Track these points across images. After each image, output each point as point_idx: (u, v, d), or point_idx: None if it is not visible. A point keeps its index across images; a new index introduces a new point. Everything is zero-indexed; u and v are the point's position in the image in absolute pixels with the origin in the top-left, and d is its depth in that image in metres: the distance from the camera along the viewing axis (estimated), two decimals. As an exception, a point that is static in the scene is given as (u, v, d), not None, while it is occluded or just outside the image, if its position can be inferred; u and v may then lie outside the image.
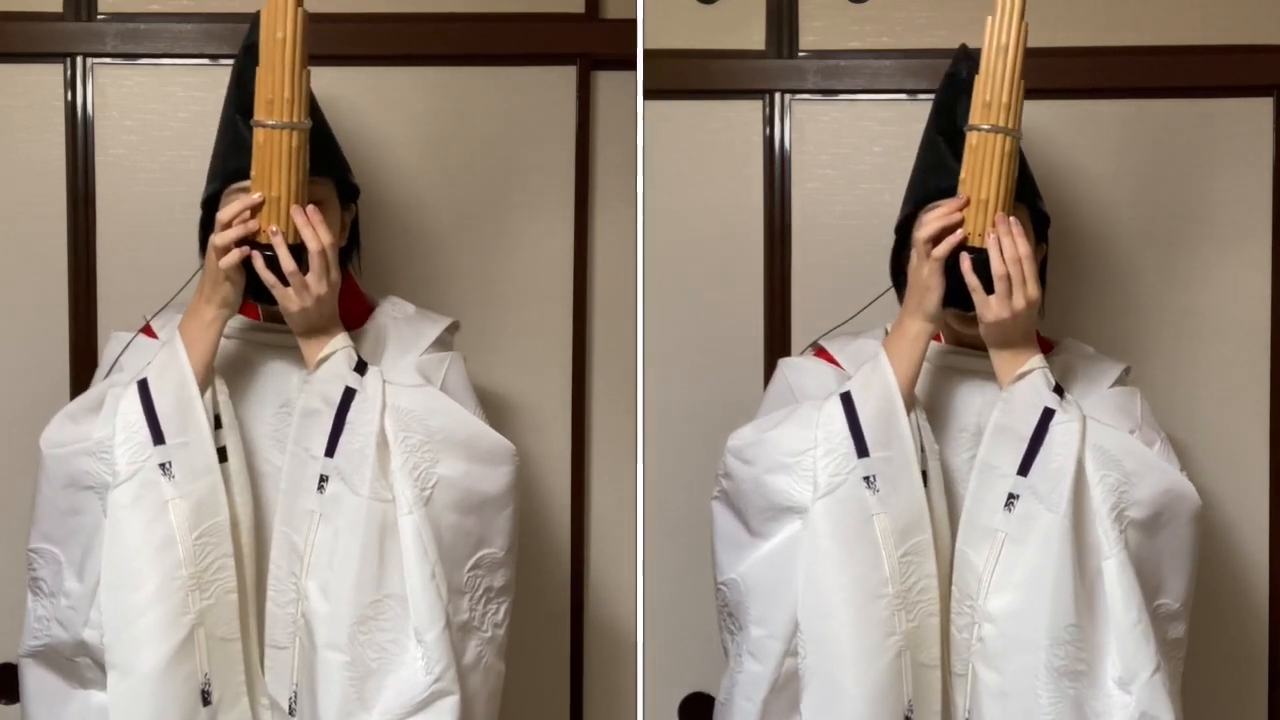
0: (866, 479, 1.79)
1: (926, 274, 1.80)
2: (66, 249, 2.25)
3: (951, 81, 1.90)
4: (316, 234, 1.79)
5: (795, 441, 1.82)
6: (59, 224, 2.25)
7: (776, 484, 1.83)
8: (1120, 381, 1.95)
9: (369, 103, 2.25)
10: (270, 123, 1.77)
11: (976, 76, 1.80)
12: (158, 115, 2.25)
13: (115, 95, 2.24)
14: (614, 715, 2.37)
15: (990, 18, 1.79)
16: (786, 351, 2.27)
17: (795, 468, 1.81)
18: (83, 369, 2.22)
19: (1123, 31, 2.26)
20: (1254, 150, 2.26)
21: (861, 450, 1.79)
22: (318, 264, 1.79)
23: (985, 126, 1.78)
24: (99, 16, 2.24)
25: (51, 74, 2.24)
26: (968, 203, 1.79)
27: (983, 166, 1.79)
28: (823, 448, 1.80)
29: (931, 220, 1.80)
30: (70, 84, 2.24)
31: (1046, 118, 2.26)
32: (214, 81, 2.21)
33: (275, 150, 1.78)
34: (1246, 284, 2.27)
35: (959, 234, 1.79)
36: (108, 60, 2.24)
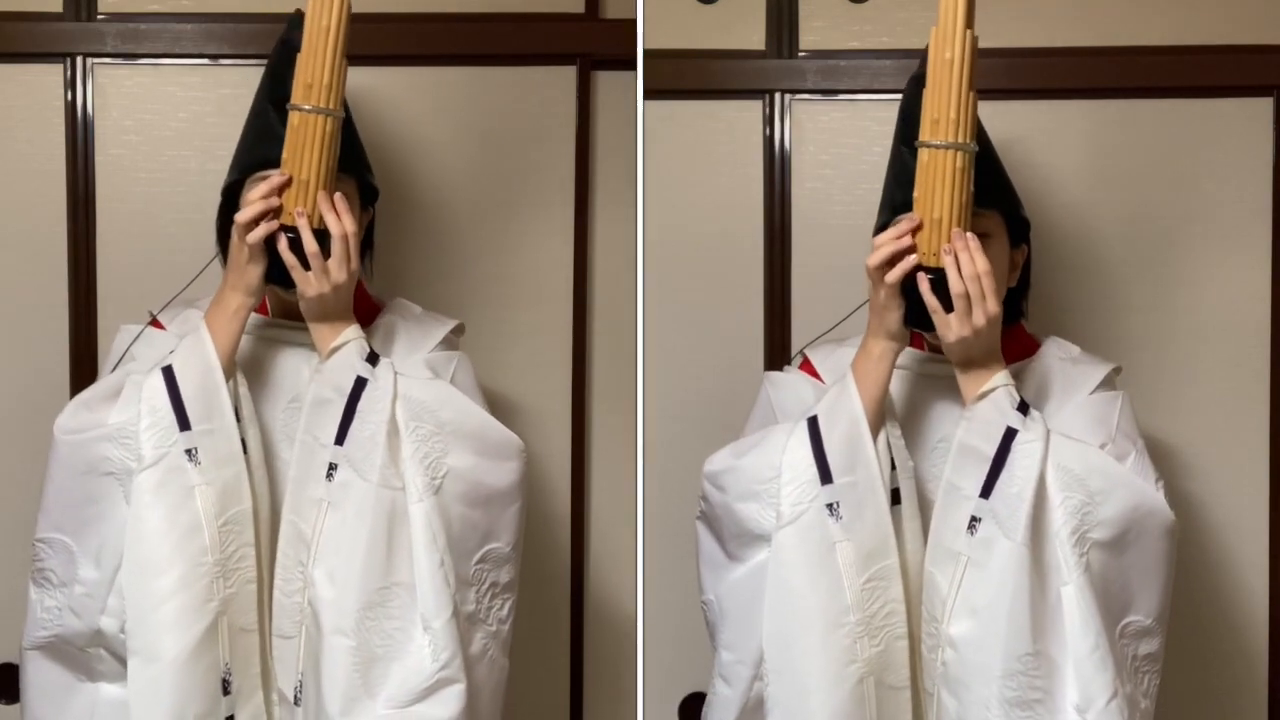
0: (830, 506, 1.78)
1: (884, 298, 1.78)
2: (66, 249, 2.25)
3: (916, 85, 1.85)
4: (341, 220, 1.80)
5: (762, 469, 1.82)
6: (59, 224, 2.25)
7: (746, 511, 1.83)
8: (1106, 383, 1.92)
9: (368, 102, 2.25)
10: (306, 107, 1.80)
11: (924, 91, 1.76)
12: (158, 115, 2.25)
13: (115, 95, 2.24)
14: (614, 715, 2.37)
15: (933, 29, 1.75)
16: (786, 351, 2.28)
17: (763, 495, 1.81)
18: (83, 369, 2.22)
19: (1124, 32, 2.26)
20: (1254, 150, 2.26)
21: (825, 477, 1.79)
22: (339, 249, 1.80)
23: (935, 143, 1.75)
24: (99, 16, 2.24)
25: (51, 74, 2.24)
26: (920, 225, 1.76)
27: (935, 185, 1.75)
28: (787, 475, 1.80)
29: (883, 245, 1.77)
30: (70, 84, 2.24)
31: (1047, 118, 2.26)
32: (214, 81, 2.22)
33: (309, 133, 1.80)
34: (1246, 284, 2.27)
35: (912, 258, 1.76)
36: (108, 60, 2.24)
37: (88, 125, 2.24)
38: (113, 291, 2.25)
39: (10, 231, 2.25)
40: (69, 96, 2.24)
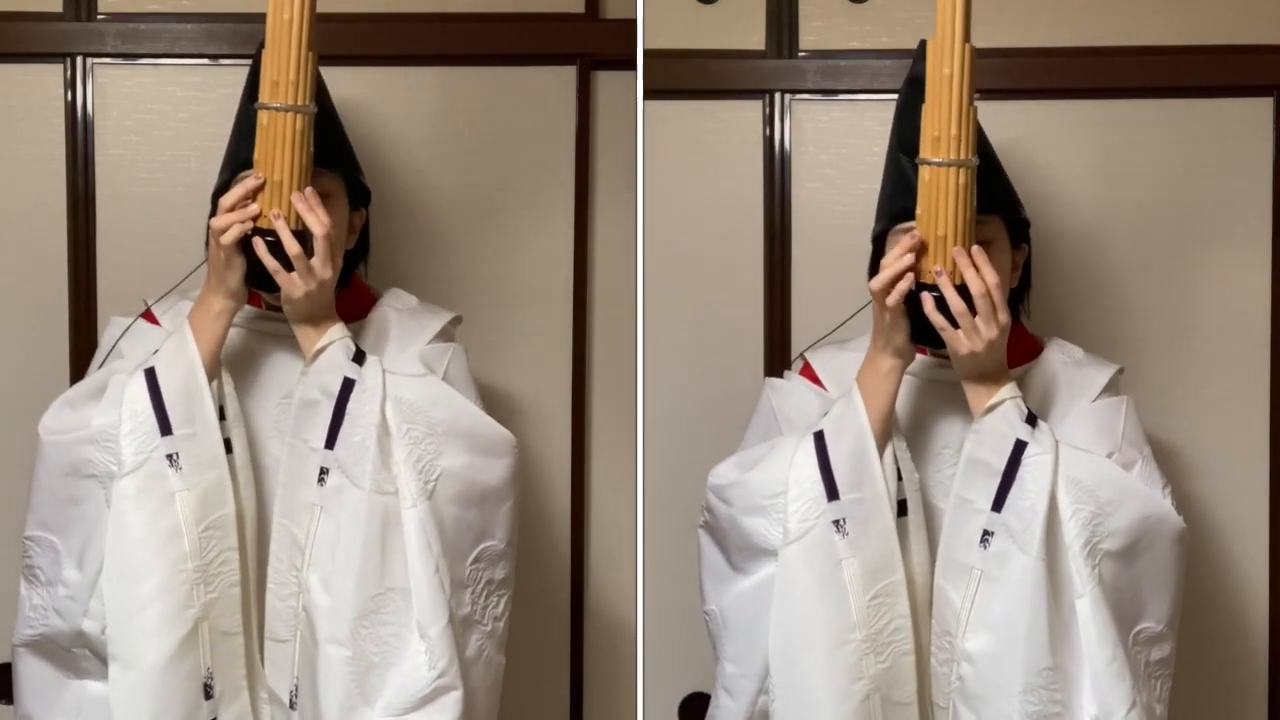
0: (836, 523, 1.77)
1: (889, 318, 1.77)
2: (66, 249, 2.25)
3: (910, 88, 1.82)
4: (319, 218, 1.78)
5: (769, 484, 1.81)
6: (59, 224, 2.25)
7: (753, 526, 1.82)
8: (1111, 386, 1.92)
9: (369, 103, 2.25)
10: (274, 105, 1.77)
11: (923, 107, 1.74)
12: (158, 115, 2.25)
13: (115, 95, 2.24)
14: (614, 715, 2.37)
15: (929, 42, 1.73)
16: (786, 351, 2.28)
17: (769, 510, 1.81)
18: (83, 369, 2.21)
19: (1124, 32, 2.26)
20: (1254, 150, 2.26)
21: (832, 493, 1.78)
22: (322, 248, 1.78)
23: (936, 160, 1.73)
24: (99, 16, 2.23)
25: (51, 74, 2.24)
26: (924, 247, 1.74)
27: (937, 203, 1.73)
28: (794, 491, 1.79)
29: (886, 267, 1.76)
30: (70, 84, 2.24)
31: (1046, 118, 2.26)
32: (214, 81, 2.22)
33: (279, 133, 1.77)
34: (1246, 284, 2.27)
35: (908, 281, 1.74)
36: (108, 60, 2.24)
37: (88, 125, 2.24)
38: (113, 291, 2.24)
39: (10, 231, 2.25)
40: (69, 96, 2.24)
